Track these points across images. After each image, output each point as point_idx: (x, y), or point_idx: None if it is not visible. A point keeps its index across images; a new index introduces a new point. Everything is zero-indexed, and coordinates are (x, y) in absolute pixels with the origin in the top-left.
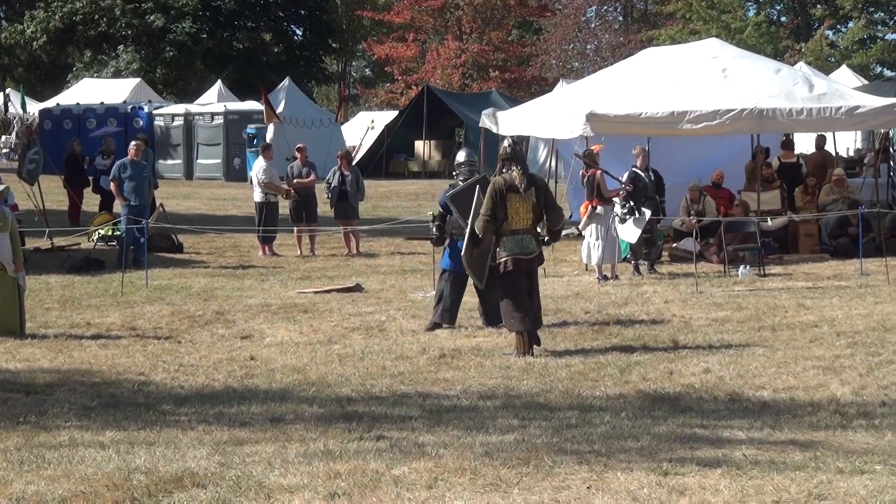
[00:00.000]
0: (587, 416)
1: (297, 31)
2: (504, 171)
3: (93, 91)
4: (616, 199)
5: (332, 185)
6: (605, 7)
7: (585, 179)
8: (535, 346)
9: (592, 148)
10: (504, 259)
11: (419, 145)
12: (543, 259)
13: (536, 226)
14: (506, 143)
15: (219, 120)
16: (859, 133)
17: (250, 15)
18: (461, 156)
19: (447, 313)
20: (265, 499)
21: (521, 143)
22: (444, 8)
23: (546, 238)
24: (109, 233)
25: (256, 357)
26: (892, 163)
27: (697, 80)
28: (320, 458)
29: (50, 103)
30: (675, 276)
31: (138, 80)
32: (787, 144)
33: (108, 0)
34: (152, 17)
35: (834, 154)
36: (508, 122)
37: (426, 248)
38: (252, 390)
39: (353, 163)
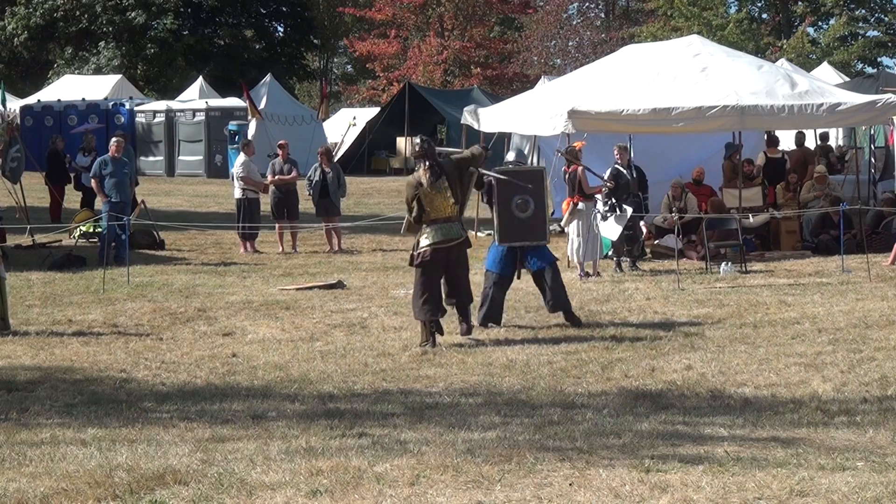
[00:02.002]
0: (569, 413)
1: (279, 28)
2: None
3: (74, 87)
4: (598, 196)
5: (314, 182)
6: (587, 4)
7: (567, 176)
8: (437, 335)
9: (575, 144)
10: (423, 249)
11: (401, 142)
12: (470, 244)
13: (457, 210)
14: (418, 139)
15: (200, 116)
16: (840, 130)
17: (231, 11)
18: (510, 156)
19: (493, 314)
20: (247, 496)
21: (434, 140)
22: (426, 4)
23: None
24: (91, 229)
25: (238, 354)
26: (872, 159)
27: (679, 77)
28: (302, 456)
29: (31, 100)
30: (656, 272)
31: (119, 76)
32: (773, 141)
33: None
34: (133, 14)
35: (815, 150)
36: (490, 118)
37: (408, 244)
38: (234, 387)
39: (335, 159)
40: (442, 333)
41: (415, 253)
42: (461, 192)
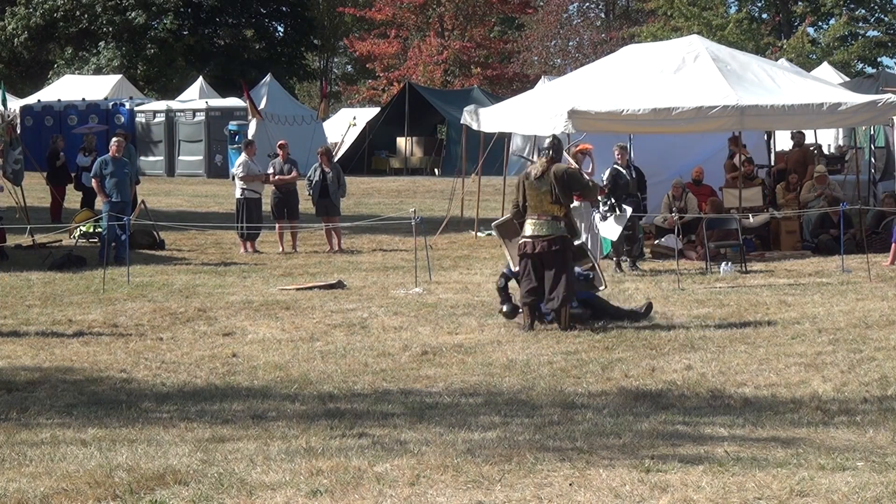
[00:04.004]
0: (569, 413)
1: (279, 28)
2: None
3: (74, 87)
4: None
5: (314, 182)
6: (587, 4)
7: None
8: (535, 322)
9: (581, 146)
10: (523, 240)
11: (401, 142)
12: (564, 242)
13: (560, 210)
14: (550, 137)
15: (200, 116)
16: (840, 130)
17: (232, 11)
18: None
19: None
20: (247, 496)
21: (561, 139)
22: (426, 4)
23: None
24: (91, 229)
25: (238, 354)
26: (873, 159)
27: (679, 77)
28: (302, 456)
29: (31, 100)
30: (657, 272)
31: (119, 76)
32: (736, 141)
33: None
34: (133, 14)
35: (816, 150)
36: (490, 118)
37: (408, 244)
38: (234, 387)
39: (335, 159)
40: (541, 321)
41: (520, 242)
42: (564, 197)
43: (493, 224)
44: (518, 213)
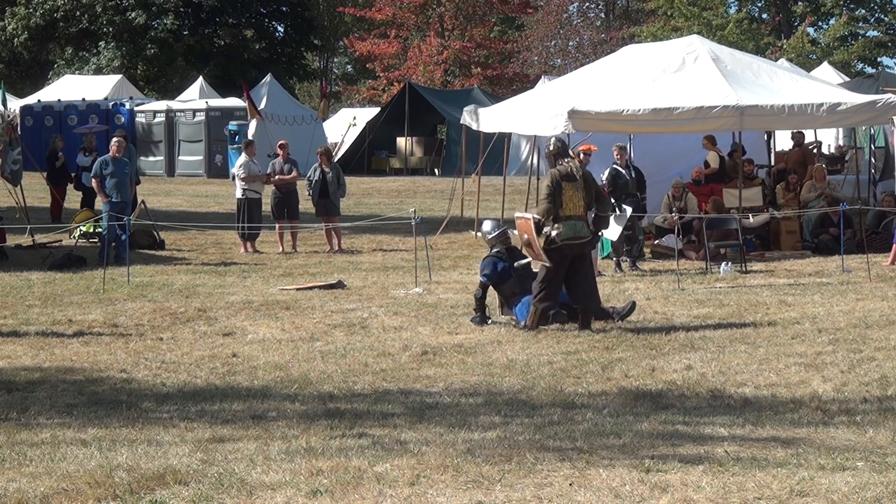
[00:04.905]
0: (569, 413)
1: (279, 28)
2: (559, 163)
3: (74, 87)
4: None
5: (314, 182)
6: (587, 4)
7: None
8: (542, 325)
9: (588, 147)
10: (564, 243)
11: (401, 142)
12: (595, 243)
13: (587, 212)
14: (553, 139)
15: (200, 116)
16: (840, 130)
17: (232, 11)
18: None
19: None
20: (247, 496)
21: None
22: (426, 4)
23: (592, 225)
24: (91, 229)
25: (238, 354)
26: (873, 159)
27: (679, 77)
28: (302, 456)
29: (31, 100)
30: (656, 272)
31: (120, 76)
32: (713, 140)
33: None
34: (133, 14)
35: (815, 148)
36: (490, 118)
37: (408, 244)
38: (234, 387)
39: (335, 159)
40: (546, 324)
41: (549, 247)
42: (593, 198)
43: (532, 214)
44: (548, 213)
